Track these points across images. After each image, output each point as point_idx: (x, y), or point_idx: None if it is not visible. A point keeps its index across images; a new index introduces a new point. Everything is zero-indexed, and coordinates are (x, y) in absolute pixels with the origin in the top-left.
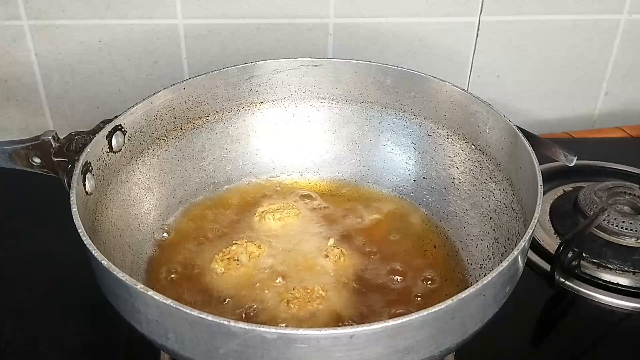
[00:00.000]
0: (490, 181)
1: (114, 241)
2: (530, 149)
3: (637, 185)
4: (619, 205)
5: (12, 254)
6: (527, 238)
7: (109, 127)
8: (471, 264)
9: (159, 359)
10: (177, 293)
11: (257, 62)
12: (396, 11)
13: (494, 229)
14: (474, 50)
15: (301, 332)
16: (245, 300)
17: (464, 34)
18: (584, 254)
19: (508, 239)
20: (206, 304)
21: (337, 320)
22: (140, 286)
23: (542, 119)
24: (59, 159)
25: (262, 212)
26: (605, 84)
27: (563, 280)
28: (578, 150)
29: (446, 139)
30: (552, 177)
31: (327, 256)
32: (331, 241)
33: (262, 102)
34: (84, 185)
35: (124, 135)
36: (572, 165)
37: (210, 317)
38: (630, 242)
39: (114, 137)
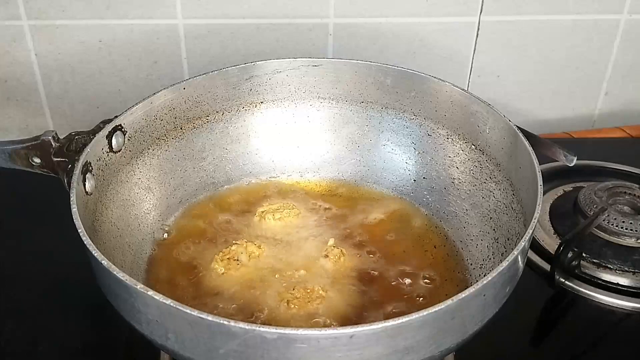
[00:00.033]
0: (490, 181)
1: (114, 241)
2: (530, 149)
3: (637, 185)
4: (619, 205)
5: (12, 254)
6: (527, 238)
7: (109, 127)
8: (471, 264)
9: (159, 359)
10: (177, 293)
11: (257, 62)
12: (396, 11)
13: (494, 229)
14: (474, 50)
15: (301, 332)
16: (245, 300)
17: (464, 34)
18: (584, 254)
19: (508, 239)
20: (206, 304)
21: (337, 320)
22: (140, 286)
23: (542, 119)
24: (59, 159)
25: (262, 212)
26: (605, 84)
27: (563, 280)
28: (578, 150)
29: (446, 139)
30: (552, 177)
31: (327, 256)
32: (331, 241)
33: (262, 102)
34: (84, 185)
35: (124, 135)
36: (572, 165)
37: (210, 317)
38: (630, 242)
39: (114, 137)
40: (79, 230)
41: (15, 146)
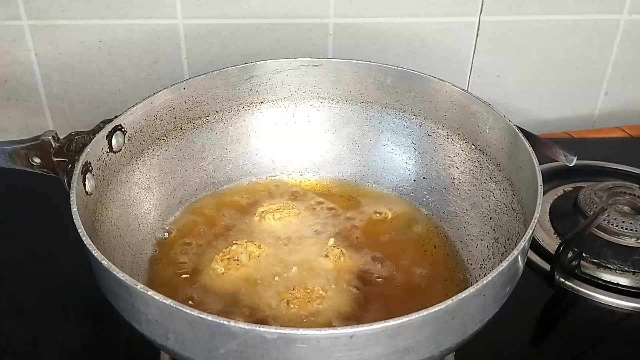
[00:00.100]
0: (490, 181)
1: (114, 241)
2: (530, 149)
3: (637, 185)
4: (619, 205)
5: (12, 254)
6: (527, 238)
7: (109, 127)
8: (471, 264)
9: (159, 359)
10: (177, 293)
11: (257, 62)
12: (396, 11)
13: (494, 229)
14: (474, 50)
15: (301, 332)
16: (245, 300)
17: (464, 34)
18: (584, 254)
19: (508, 239)
20: (206, 304)
21: (337, 320)
22: (140, 286)
23: (542, 119)
24: (59, 159)
25: (262, 212)
26: (605, 84)
27: (563, 280)
28: (578, 150)
29: (446, 139)
30: (552, 177)
31: (327, 256)
32: (331, 241)
33: (262, 102)
34: (84, 185)
35: (124, 135)
36: (572, 165)
37: (210, 317)
38: (630, 242)
39: (114, 137)
40: (79, 230)
41: (15, 146)
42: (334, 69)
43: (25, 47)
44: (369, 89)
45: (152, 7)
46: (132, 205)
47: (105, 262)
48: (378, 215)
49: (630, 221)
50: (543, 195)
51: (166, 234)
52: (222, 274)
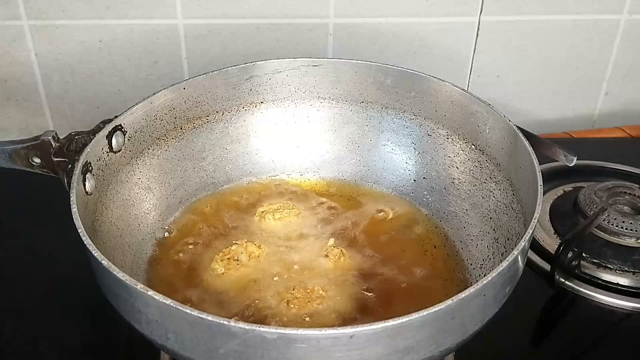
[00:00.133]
0: (490, 181)
1: (114, 241)
2: (530, 149)
3: (637, 185)
4: (619, 205)
5: (12, 254)
6: (527, 238)
7: (109, 127)
8: (471, 264)
9: (159, 359)
10: (177, 293)
11: (257, 62)
12: (396, 11)
13: (494, 229)
14: (474, 50)
15: (301, 332)
16: (245, 300)
17: (464, 34)
18: (584, 254)
19: (508, 239)
20: (206, 304)
21: (337, 320)
22: (140, 286)
23: (542, 119)
24: (59, 159)
25: (262, 212)
26: (605, 84)
27: (563, 280)
28: (578, 150)
29: (446, 139)
30: (552, 177)
31: (327, 256)
32: (331, 241)
33: (262, 102)
34: (84, 185)
35: (124, 135)
36: (572, 165)
37: (210, 317)
38: (630, 242)
39: (114, 137)
40: (79, 230)
41: (15, 146)
42: (334, 69)
43: (25, 47)
44: (369, 89)
45: (152, 7)
46: (132, 205)
47: (105, 262)
48: (378, 215)
49: (630, 221)
50: (543, 195)
51: (166, 234)
52: (222, 274)
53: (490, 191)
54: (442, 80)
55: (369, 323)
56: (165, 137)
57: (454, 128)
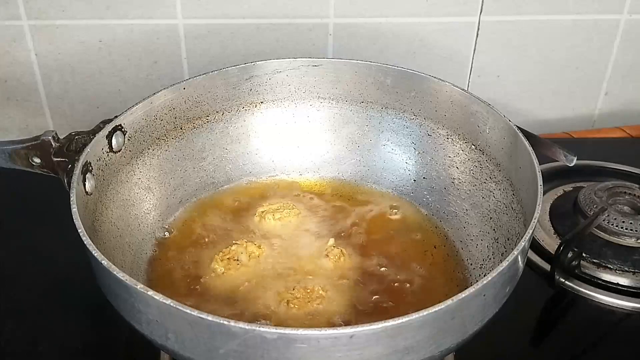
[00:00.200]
0: (490, 181)
1: (114, 241)
2: (530, 149)
3: (637, 185)
4: (619, 205)
5: (12, 254)
6: (527, 238)
7: (109, 127)
8: (471, 264)
9: (159, 359)
10: (177, 293)
11: (257, 62)
12: (396, 11)
13: (494, 229)
14: (474, 50)
15: (301, 332)
16: (245, 300)
17: (464, 34)
18: (584, 254)
19: (508, 239)
20: (206, 304)
21: (337, 320)
22: (140, 286)
23: (542, 119)
24: (59, 159)
25: (262, 212)
26: (605, 84)
27: (563, 280)
28: (578, 150)
29: (446, 139)
30: (552, 177)
31: (327, 256)
32: (331, 241)
33: (262, 102)
34: (84, 185)
35: (124, 135)
36: (572, 165)
37: (210, 317)
38: (630, 242)
39: (114, 137)
40: (79, 230)
41: (15, 146)
42: (334, 69)
43: (25, 47)
44: (369, 89)
45: (152, 7)
46: (132, 205)
47: (105, 262)
48: (378, 215)
49: (630, 221)
50: (543, 195)
51: (166, 234)
52: (222, 274)
53: (490, 191)
54: (442, 80)
55: (368, 323)
56: (165, 137)
57: (454, 128)
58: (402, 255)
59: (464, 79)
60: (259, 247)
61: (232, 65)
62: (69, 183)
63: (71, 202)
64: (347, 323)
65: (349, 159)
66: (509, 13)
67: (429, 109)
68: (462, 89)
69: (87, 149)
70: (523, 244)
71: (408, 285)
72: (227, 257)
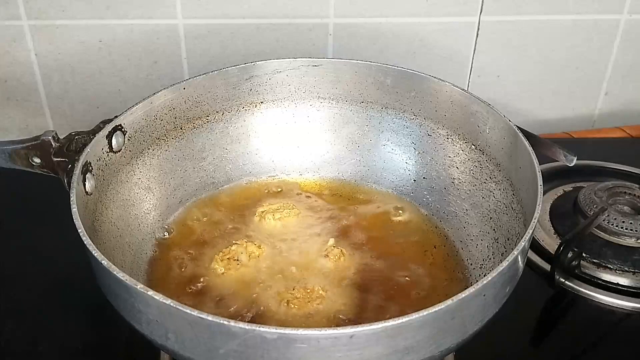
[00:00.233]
0: (490, 181)
1: (114, 241)
2: (530, 149)
3: (637, 185)
4: (619, 205)
5: (12, 254)
6: (527, 238)
7: (109, 127)
8: (471, 264)
9: (159, 359)
10: (177, 293)
11: (257, 62)
12: (396, 11)
13: (494, 229)
14: (474, 50)
15: (301, 332)
16: (245, 300)
17: (464, 34)
18: (584, 254)
19: (508, 239)
20: (206, 304)
21: (337, 320)
22: (140, 286)
23: (542, 119)
24: (59, 159)
25: (262, 212)
26: (605, 84)
27: (563, 280)
28: (578, 150)
29: (446, 139)
30: (552, 177)
31: (327, 256)
32: (331, 241)
33: (262, 102)
34: (84, 185)
35: (124, 135)
36: (572, 165)
37: (210, 317)
38: (630, 242)
39: (114, 137)
40: (79, 230)
41: (15, 146)
42: (334, 69)
43: (25, 47)
44: (369, 89)
45: (152, 7)
46: (132, 205)
47: (105, 262)
48: (378, 215)
49: (630, 221)
50: (543, 195)
51: (166, 234)
52: (222, 274)
53: (490, 191)
54: (442, 80)
55: (369, 323)
56: (165, 137)
57: (454, 128)
58: (402, 255)
59: (464, 79)
60: (259, 247)
61: (232, 65)
62: (69, 183)
63: (71, 202)
64: (347, 323)
65: (349, 159)
66: (509, 13)
67: (429, 109)
68: (462, 89)
69: (87, 149)
70: (523, 244)
71: (408, 285)
72: (227, 257)
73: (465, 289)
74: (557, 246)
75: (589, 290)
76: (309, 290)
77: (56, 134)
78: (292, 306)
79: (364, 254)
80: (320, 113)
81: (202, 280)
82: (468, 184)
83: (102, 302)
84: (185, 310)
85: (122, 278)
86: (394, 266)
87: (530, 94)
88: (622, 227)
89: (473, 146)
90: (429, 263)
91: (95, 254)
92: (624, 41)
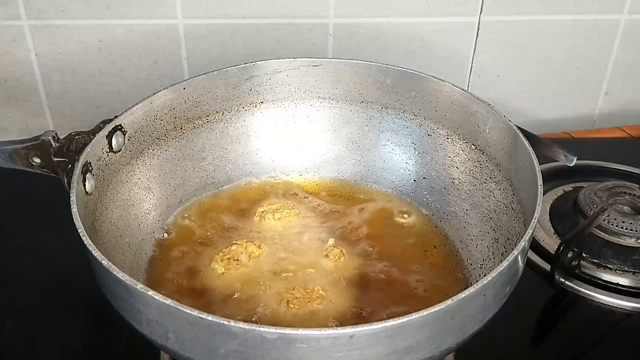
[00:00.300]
0: (490, 181)
1: (114, 241)
2: (530, 149)
3: (637, 185)
4: (619, 205)
5: (12, 254)
6: (527, 238)
7: (109, 127)
8: (471, 264)
9: (159, 359)
10: (177, 293)
11: (257, 62)
12: (396, 11)
13: (494, 229)
14: (474, 50)
15: (301, 332)
16: (245, 300)
17: (464, 34)
18: (584, 254)
19: (508, 239)
20: (206, 304)
21: (337, 320)
22: (140, 286)
23: (542, 119)
24: (59, 159)
25: (262, 212)
26: (605, 84)
27: (563, 280)
28: (578, 150)
29: (446, 139)
30: (552, 177)
31: (327, 256)
32: (331, 241)
33: (262, 102)
34: (84, 185)
35: (124, 135)
36: (572, 165)
37: (210, 317)
38: (630, 242)
39: (114, 137)
40: (79, 230)
41: (15, 146)
42: (334, 69)
43: (25, 47)
44: (369, 89)
45: (152, 7)
46: (132, 205)
47: (105, 262)
48: (378, 215)
49: (630, 221)
50: (543, 195)
51: (166, 234)
52: (222, 274)
53: (490, 191)
54: (442, 80)
55: (369, 323)
56: (165, 137)
57: (454, 128)
58: (402, 255)
59: (464, 79)
60: (259, 247)
61: (232, 65)
62: (69, 183)
63: (71, 202)
64: (347, 323)
65: (349, 159)
66: (509, 13)
67: (429, 109)
68: (462, 89)
69: (87, 149)
70: (523, 244)
71: (408, 285)
72: (227, 257)
73: (465, 289)
74: (557, 246)
75: (589, 290)
76: (309, 290)
77: (56, 134)
78: (292, 306)
79: (363, 254)
80: (320, 113)
81: (202, 280)
82: (468, 184)
83: (102, 302)
84: (185, 310)
85: (122, 278)
86: (394, 266)
87: (530, 94)
88: (622, 227)
89: (473, 146)
90: (429, 263)
91: (95, 254)
92: (624, 41)
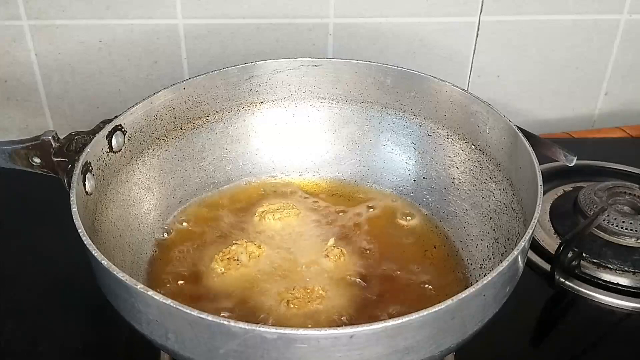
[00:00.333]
0: (490, 181)
1: (114, 241)
2: (530, 149)
3: (637, 185)
4: (619, 205)
5: (12, 254)
6: (527, 238)
7: (109, 127)
8: (471, 264)
9: (159, 359)
10: (177, 293)
11: (257, 62)
12: (396, 11)
13: (494, 229)
14: (474, 50)
15: (301, 332)
16: (245, 300)
17: (464, 34)
18: (584, 254)
19: (508, 239)
20: (206, 304)
21: (337, 320)
22: (140, 286)
23: (542, 119)
24: (59, 159)
25: (262, 212)
26: (605, 84)
27: (563, 280)
28: (578, 150)
29: (446, 139)
30: (552, 177)
31: (327, 256)
32: (331, 241)
33: (262, 102)
34: (84, 185)
35: (124, 135)
36: (572, 165)
37: (210, 317)
38: (630, 242)
39: (114, 137)
40: (79, 230)
41: (15, 146)
42: (334, 69)
43: (25, 47)
44: (369, 89)
45: (152, 7)
46: (132, 205)
47: (105, 262)
48: (378, 215)
49: (630, 221)
50: (543, 195)
51: (166, 234)
52: (222, 274)
53: (490, 191)
54: (442, 80)
55: (368, 323)
56: (165, 137)
57: (454, 128)
58: (402, 255)
59: (464, 79)
60: (259, 247)
61: (232, 65)
62: (69, 183)
63: (71, 202)
64: (347, 323)
65: (349, 159)
66: (509, 13)
67: (429, 109)
68: (462, 89)
69: (87, 149)
70: (523, 244)
71: (408, 285)
72: (227, 257)
73: (465, 289)
74: (557, 246)
75: (589, 290)
76: (309, 290)
77: (56, 134)
78: (292, 306)
79: (363, 254)
80: (320, 113)
81: (202, 280)
82: (468, 184)
83: (102, 302)
84: (185, 310)
85: (122, 278)
86: (393, 266)
87: (530, 94)
88: (622, 227)
89: (473, 146)
90: (429, 263)
91: (95, 254)
92: (624, 41)
